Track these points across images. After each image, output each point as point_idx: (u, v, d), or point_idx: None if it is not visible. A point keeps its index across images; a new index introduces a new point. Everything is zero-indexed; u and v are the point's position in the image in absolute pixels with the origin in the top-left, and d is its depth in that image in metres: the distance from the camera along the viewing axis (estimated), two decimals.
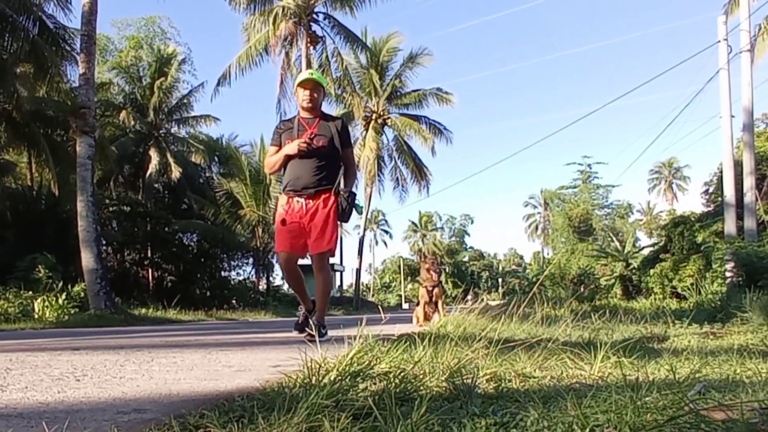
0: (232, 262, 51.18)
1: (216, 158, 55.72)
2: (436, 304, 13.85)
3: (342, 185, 9.39)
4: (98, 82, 34.85)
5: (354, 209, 9.30)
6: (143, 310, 27.99)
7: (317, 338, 6.56)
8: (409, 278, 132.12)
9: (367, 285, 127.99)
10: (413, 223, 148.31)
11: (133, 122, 49.63)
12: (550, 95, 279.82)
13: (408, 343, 4.82)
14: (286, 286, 73.02)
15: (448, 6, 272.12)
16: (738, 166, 29.90)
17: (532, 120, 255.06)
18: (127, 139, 48.53)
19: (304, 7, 44.25)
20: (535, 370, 4.48)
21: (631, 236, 62.15)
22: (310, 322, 8.99)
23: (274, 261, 60.48)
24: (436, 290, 13.97)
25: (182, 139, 51.29)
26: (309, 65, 45.61)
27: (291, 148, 8.83)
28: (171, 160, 47.84)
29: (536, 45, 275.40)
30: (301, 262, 10.26)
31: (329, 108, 55.94)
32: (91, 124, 24.47)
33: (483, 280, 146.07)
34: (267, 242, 54.89)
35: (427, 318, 13.63)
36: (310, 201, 8.98)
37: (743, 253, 25.14)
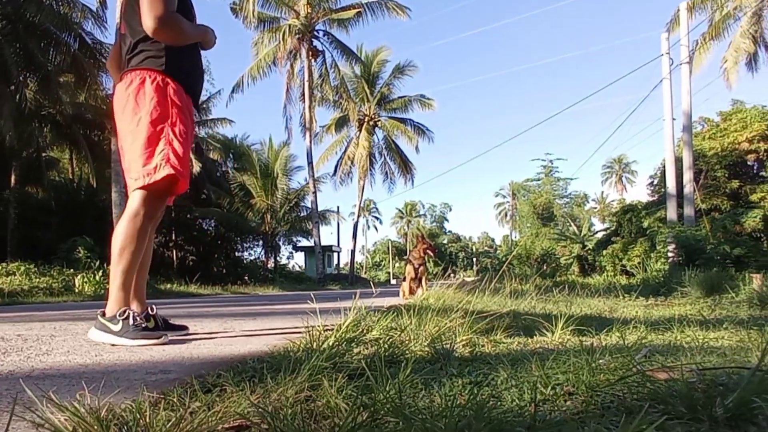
0: (245, 244, 51.11)
1: (231, 155, 55.59)
2: (420, 280, 13.85)
3: None
4: None
5: None
6: (168, 285, 28.00)
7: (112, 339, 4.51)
8: (396, 258, 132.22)
9: (360, 264, 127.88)
10: (400, 210, 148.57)
11: None
12: (517, 100, 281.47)
13: (395, 313, 4.81)
14: (292, 264, 72.69)
15: (432, 24, 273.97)
16: (678, 161, 30.18)
17: (502, 122, 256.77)
18: None
19: (306, 25, 44.55)
20: (504, 337, 4.48)
21: (587, 222, 62.19)
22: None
23: (281, 243, 60.42)
24: (421, 268, 13.99)
25: (202, 139, 51.10)
26: (311, 76, 45.87)
27: (210, 36, 5.12)
28: (192, 156, 47.55)
29: (506, 57, 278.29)
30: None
31: (328, 112, 56.24)
32: None
33: (460, 260, 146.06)
34: (275, 227, 54.92)
35: (412, 292, 13.61)
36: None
37: (683, 237, 25.40)
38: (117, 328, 4.46)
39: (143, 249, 4.73)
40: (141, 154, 4.56)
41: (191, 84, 5.02)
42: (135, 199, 4.63)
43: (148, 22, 4.42)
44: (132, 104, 4.61)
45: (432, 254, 14.42)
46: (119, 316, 4.48)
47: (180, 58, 4.85)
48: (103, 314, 4.54)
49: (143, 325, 4.55)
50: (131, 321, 4.49)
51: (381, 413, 1.96)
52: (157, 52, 4.71)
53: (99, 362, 3.47)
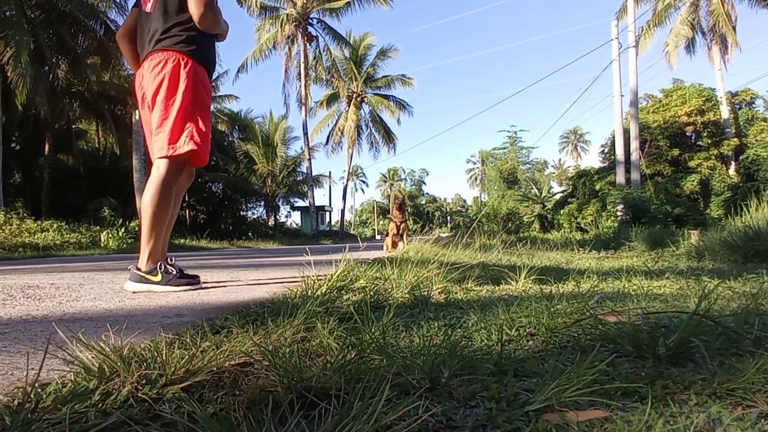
0: (249, 205, 51.14)
1: (236, 126, 55.62)
2: (401, 235, 13.88)
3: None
4: None
5: None
6: (182, 240, 28.06)
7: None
8: (380, 216, 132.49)
9: (349, 221, 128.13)
10: (383, 175, 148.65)
11: None
12: (486, 79, 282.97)
13: (380, 265, 4.84)
14: (289, 221, 72.87)
15: (411, 13, 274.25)
16: (626, 132, 30.45)
17: (473, 98, 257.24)
18: None
19: (302, 14, 44.62)
20: (474, 286, 4.49)
21: (547, 185, 62.26)
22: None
23: (280, 204, 60.56)
24: (402, 225, 14.03)
25: (211, 113, 51.17)
26: (306, 58, 45.98)
27: (227, 29, 5.25)
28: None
29: (477, 42, 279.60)
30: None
31: (321, 90, 56.27)
32: None
33: (436, 218, 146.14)
34: (274, 190, 55.10)
35: (394, 246, 13.63)
36: None
37: (630, 198, 25.76)
38: (158, 278, 4.62)
39: (170, 210, 4.82)
40: (171, 129, 4.65)
41: (210, 70, 5.07)
42: (160, 166, 4.69)
43: (197, 9, 4.53)
44: (167, 84, 4.64)
45: (400, 214, 14.39)
46: (159, 268, 4.65)
47: (205, 46, 4.92)
48: (138, 268, 4.62)
49: (181, 273, 4.79)
50: (170, 271, 4.70)
51: (367, 352, 1.97)
52: (189, 38, 4.74)
53: (122, 307, 3.48)
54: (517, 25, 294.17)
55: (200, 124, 4.77)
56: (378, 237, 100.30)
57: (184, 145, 4.66)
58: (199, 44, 4.83)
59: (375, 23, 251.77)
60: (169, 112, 4.66)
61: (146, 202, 4.64)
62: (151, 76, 4.70)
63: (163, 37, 4.71)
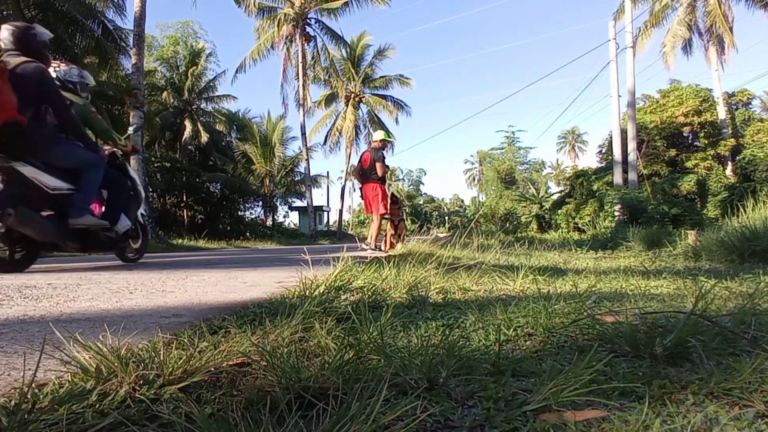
0: (247, 205, 51.26)
1: (234, 127, 55.84)
2: (399, 235, 13.92)
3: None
4: (146, 70, 34.93)
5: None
6: (180, 240, 28.05)
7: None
8: None
9: (347, 221, 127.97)
10: None
11: (172, 100, 50.02)
12: (484, 79, 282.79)
13: (378, 265, 4.83)
14: (287, 221, 73.09)
15: (410, 13, 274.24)
16: (624, 133, 30.55)
17: (471, 98, 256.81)
18: (167, 113, 48.38)
19: (300, 14, 44.57)
20: (472, 285, 4.48)
21: (544, 185, 62.48)
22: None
23: (278, 204, 60.75)
24: (399, 225, 14.08)
25: (209, 113, 51.39)
26: (304, 58, 46.02)
27: None
28: (201, 128, 48.40)
29: (476, 42, 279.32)
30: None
31: (319, 90, 56.26)
32: (141, 102, 25.10)
33: (433, 218, 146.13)
34: (273, 189, 55.20)
35: (392, 246, 13.65)
36: None
37: (627, 198, 25.80)
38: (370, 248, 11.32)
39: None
40: (380, 205, 12.79)
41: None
42: (378, 217, 12.86)
43: (382, 173, 12.88)
44: (378, 191, 12.80)
45: (397, 212, 14.43)
46: (375, 243, 12.47)
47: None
48: (368, 244, 12.38)
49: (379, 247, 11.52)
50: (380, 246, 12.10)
51: (365, 352, 1.97)
52: (377, 176, 12.87)
53: (119, 307, 3.46)
54: (516, 25, 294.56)
55: (382, 206, 12.77)
56: None
57: (382, 209, 12.73)
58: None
59: (373, 23, 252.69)
60: (379, 199, 12.72)
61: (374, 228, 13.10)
62: (372, 188, 12.83)
63: (371, 175, 12.81)
